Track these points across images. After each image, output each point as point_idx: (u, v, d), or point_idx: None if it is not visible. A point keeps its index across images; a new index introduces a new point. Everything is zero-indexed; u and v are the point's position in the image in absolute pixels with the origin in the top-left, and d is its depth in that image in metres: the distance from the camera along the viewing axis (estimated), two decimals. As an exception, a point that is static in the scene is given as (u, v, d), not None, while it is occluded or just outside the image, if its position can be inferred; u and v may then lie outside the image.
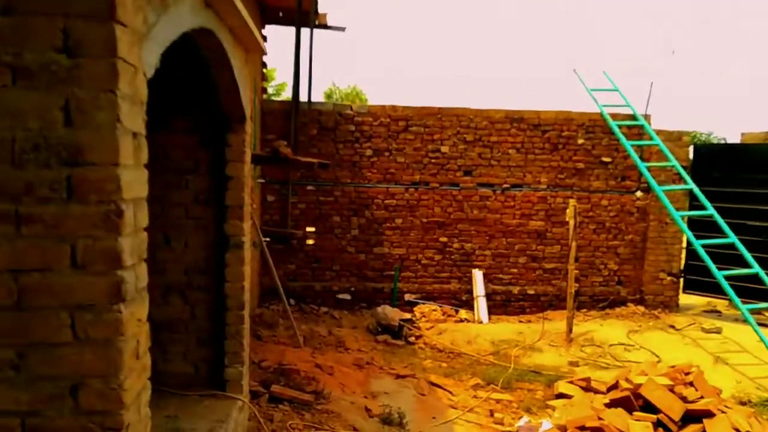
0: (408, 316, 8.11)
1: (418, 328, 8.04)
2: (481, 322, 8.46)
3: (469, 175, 9.02)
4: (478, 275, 8.99)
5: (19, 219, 1.66)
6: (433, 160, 8.94)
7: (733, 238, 7.36)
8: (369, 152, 8.83)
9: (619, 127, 8.51)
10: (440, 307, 8.85)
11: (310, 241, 8.78)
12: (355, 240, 8.89)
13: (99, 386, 1.74)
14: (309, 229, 8.77)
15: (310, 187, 8.76)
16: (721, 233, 7.48)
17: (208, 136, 3.95)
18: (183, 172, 3.97)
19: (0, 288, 1.67)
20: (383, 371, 6.39)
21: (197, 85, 3.77)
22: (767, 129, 9.64)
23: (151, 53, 1.90)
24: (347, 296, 8.88)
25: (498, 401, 5.86)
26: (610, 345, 7.43)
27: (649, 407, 4.83)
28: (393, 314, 7.89)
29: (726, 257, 7.57)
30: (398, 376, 6.23)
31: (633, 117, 8.75)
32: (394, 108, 8.85)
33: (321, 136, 8.74)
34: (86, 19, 1.61)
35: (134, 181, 1.81)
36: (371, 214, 8.89)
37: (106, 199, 1.69)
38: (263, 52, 3.95)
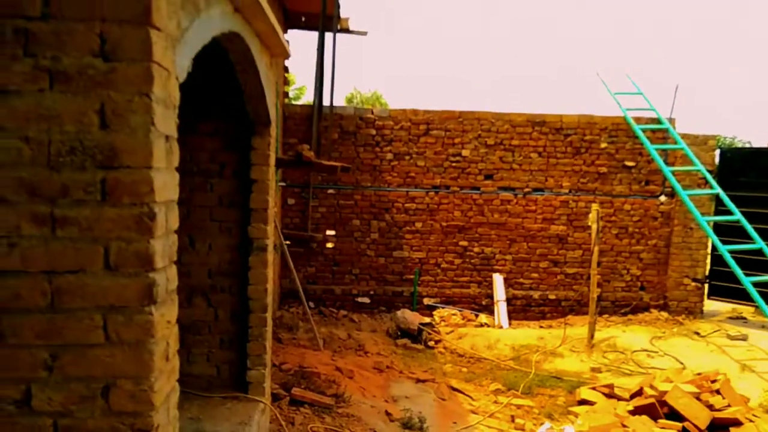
0: (428, 320, 8.08)
1: (438, 333, 8.00)
2: (501, 327, 8.40)
3: (490, 178, 8.97)
4: (498, 280, 8.94)
5: (55, 221, 1.67)
6: (453, 164, 8.91)
7: (761, 243, 7.23)
8: (389, 156, 8.83)
9: (643, 130, 8.43)
10: (460, 311, 8.83)
11: (330, 245, 8.80)
12: (375, 243, 8.89)
13: (130, 387, 1.75)
14: (329, 232, 8.79)
15: (330, 191, 8.79)
16: (748, 239, 7.36)
17: (233, 140, 3.99)
18: (208, 175, 4.01)
19: (35, 289, 1.68)
20: (403, 375, 6.37)
21: (222, 89, 3.81)
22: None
23: (183, 57, 1.91)
24: (366, 300, 8.89)
25: (519, 407, 5.82)
26: (633, 351, 7.33)
27: (674, 415, 4.77)
28: (413, 318, 7.86)
29: (752, 263, 7.44)
30: (418, 381, 6.21)
31: (657, 120, 8.66)
32: (415, 112, 8.84)
33: (342, 139, 8.76)
34: (122, 24, 1.62)
35: (166, 184, 1.82)
36: (391, 218, 8.88)
37: (139, 201, 1.69)
38: (287, 56, 3.97)
